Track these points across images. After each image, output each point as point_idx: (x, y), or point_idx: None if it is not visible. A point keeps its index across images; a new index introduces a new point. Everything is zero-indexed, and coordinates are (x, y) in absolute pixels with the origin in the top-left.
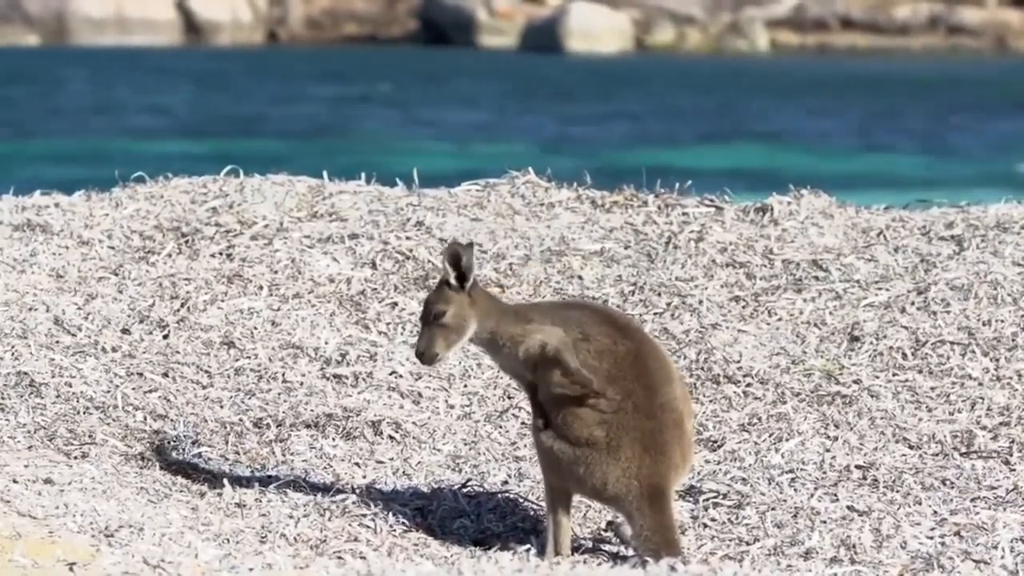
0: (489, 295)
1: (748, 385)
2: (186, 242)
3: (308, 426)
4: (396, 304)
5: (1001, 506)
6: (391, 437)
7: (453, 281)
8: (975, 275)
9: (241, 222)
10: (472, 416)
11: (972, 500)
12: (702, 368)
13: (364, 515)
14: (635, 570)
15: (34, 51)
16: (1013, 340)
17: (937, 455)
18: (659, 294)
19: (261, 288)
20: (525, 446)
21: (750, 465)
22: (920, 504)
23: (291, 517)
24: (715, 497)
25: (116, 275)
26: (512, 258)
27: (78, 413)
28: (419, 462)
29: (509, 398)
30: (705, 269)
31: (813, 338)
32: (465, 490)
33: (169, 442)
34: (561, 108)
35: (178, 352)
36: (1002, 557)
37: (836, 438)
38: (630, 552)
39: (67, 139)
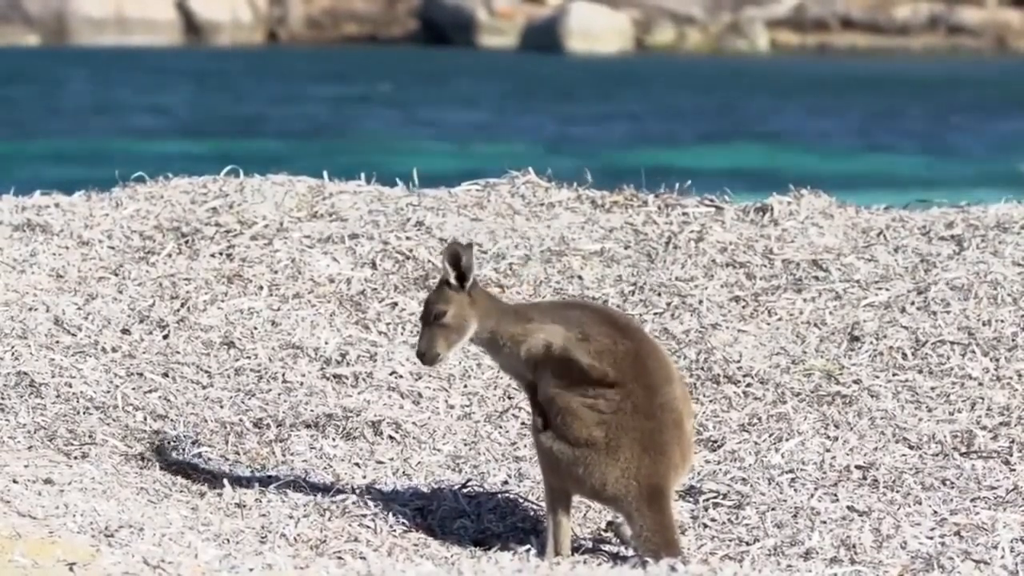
0: (489, 295)
1: (748, 385)
2: (186, 242)
3: (308, 426)
4: (396, 304)
5: (1001, 506)
6: (391, 437)
7: (453, 281)
8: (975, 275)
9: (241, 222)
10: (472, 416)
11: (972, 500)
12: (702, 368)
13: (364, 515)
14: (635, 570)
15: (34, 51)
16: (1013, 340)
17: (937, 455)
18: (659, 294)
19: (261, 288)
20: (525, 446)
21: (750, 465)
22: (920, 504)
23: (291, 517)
24: (715, 497)
25: (116, 275)
26: (512, 258)
27: (78, 413)
28: (419, 462)
29: (509, 398)
30: (705, 269)
31: (813, 338)
32: (465, 490)
33: (169, 442)
34: (561, 108)
35: (178, 352)
36: (1002, 557)
37: (836, 438)
38: (630, 552)
39: (67, 139)
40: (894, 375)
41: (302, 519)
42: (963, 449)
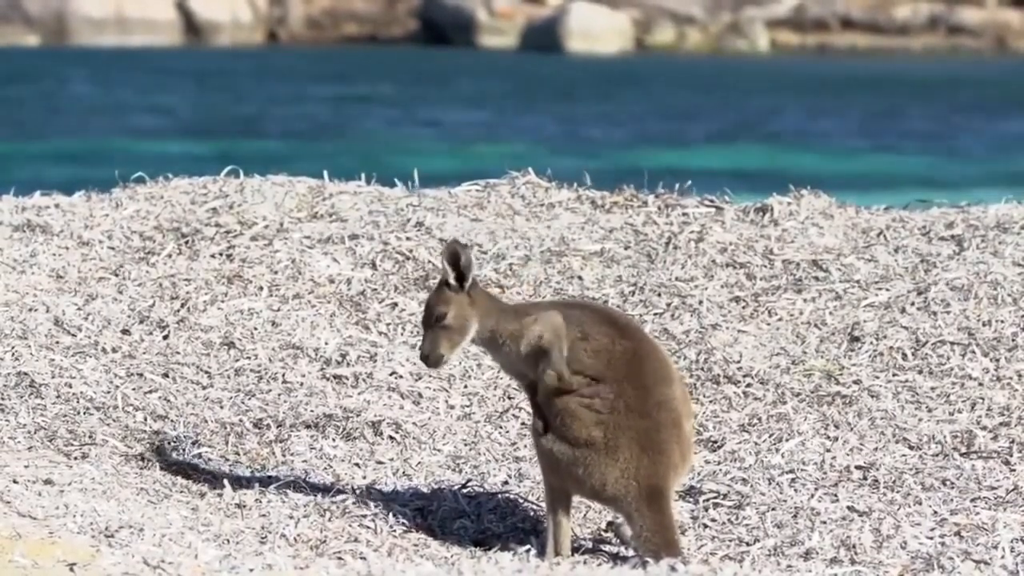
0: (489, 294)
1: (748, 385)
2: (186, 243)
3: (308, 427)
4: (396, 304)
5: (1001, 506)
6: (391, 438)
7: (452, 281)
8: (975, 275)
9: (241, 223)
10: (472, 417)
11: (972, 500)
12: (702, 368)
13: (364, 516)
14: (635, 571)
15: (34, 51)
16: (1013, 340)
17: (937, 455)
18: (659, 294)
19: (261, 289)
20: (525, 446)
21: (750, 465)
22: (920, 504)
23: (291, 518)
24: (715, 497)
25: (116, 276)
26: (512, 258)
27: (78, 414)
28: (419, 462)
29: (509, 399)
30: (705, 269)
31: (813, 338)
32: (465, 490)
33: (169, 443)
34: (561, 108)
35: (178, 353)
36: (1002, 557)
37: (836, 438)
38: (630, 552)
39: (67, 139)
40: (894, 375)
41: (302, 519)
42: (963, 449)
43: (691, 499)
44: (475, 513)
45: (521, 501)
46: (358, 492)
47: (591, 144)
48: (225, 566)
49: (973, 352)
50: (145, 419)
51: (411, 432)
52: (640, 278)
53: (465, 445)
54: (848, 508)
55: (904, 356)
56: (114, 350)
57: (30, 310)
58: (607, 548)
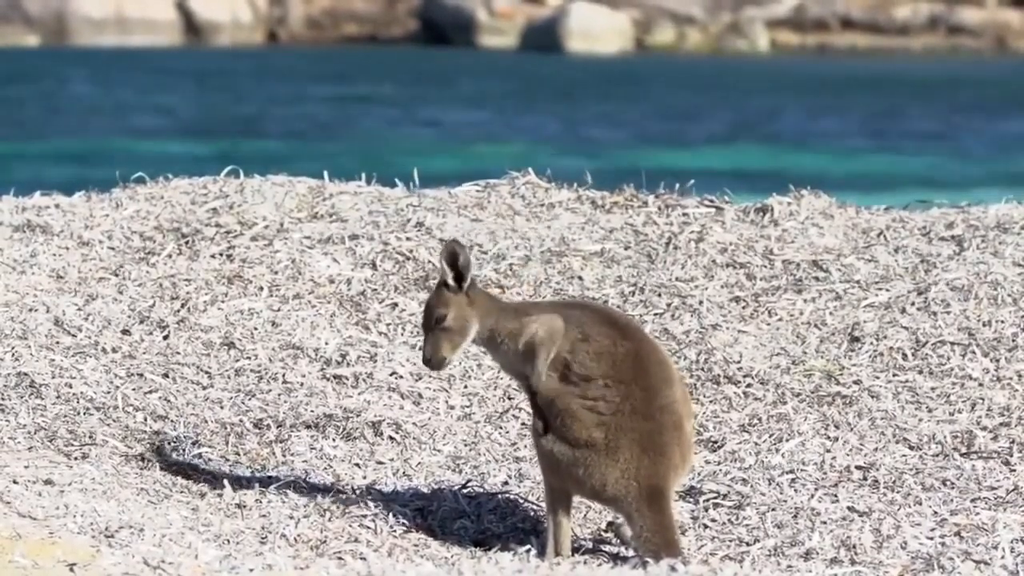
0: (488, 294)
1: (748, 386)
2: (186, 243)
3: (308, 427)
4: (396, 305)
5: (1001, 506)
6: (391, 438)
7: (451, 282)
8: (975, 275)
9: (241, 223)
10: (472, 417)
11: (972, 501)
12: (702, 369)
13: (364, 516)
14: (635, 571)
15: (34, 51)
16: (1013, 341)
17: (937, 456)
18: (659, 295)
19: (261, 289)
20: (525, 447)
21: (750, 466)
22: (920, 504)
23: (291, 518)
24: (715, 498)
25: (116, 276)
26: (512, 259)
27: (78, 414)
28: (419, 463)
29: (509, 399)
30: (705, 270)
31: (813, 338)
32: (465, 491)
33: (169, 443)
34: (561, 108)
35: (178, 353)
36: (1002, 557)
37: (836, 439)
38: (630, 553)
39: (67, 139)
40: (894, 375)
41: (302, 520)
42: (963, 449)
43: (691, 499)
44: (475, 513)
45: (521, 501)
46: (358, 492)
47: (591, 144)
48: (225, 566)
49: (973, 352)
50: (145, 419)
51: (411, 432)
52: (640, 278)
53: (465, 445)
54: (848, 508)
55: (904, 356)
56: (114, 350)
57: (30, 310)
58: (607, 548)
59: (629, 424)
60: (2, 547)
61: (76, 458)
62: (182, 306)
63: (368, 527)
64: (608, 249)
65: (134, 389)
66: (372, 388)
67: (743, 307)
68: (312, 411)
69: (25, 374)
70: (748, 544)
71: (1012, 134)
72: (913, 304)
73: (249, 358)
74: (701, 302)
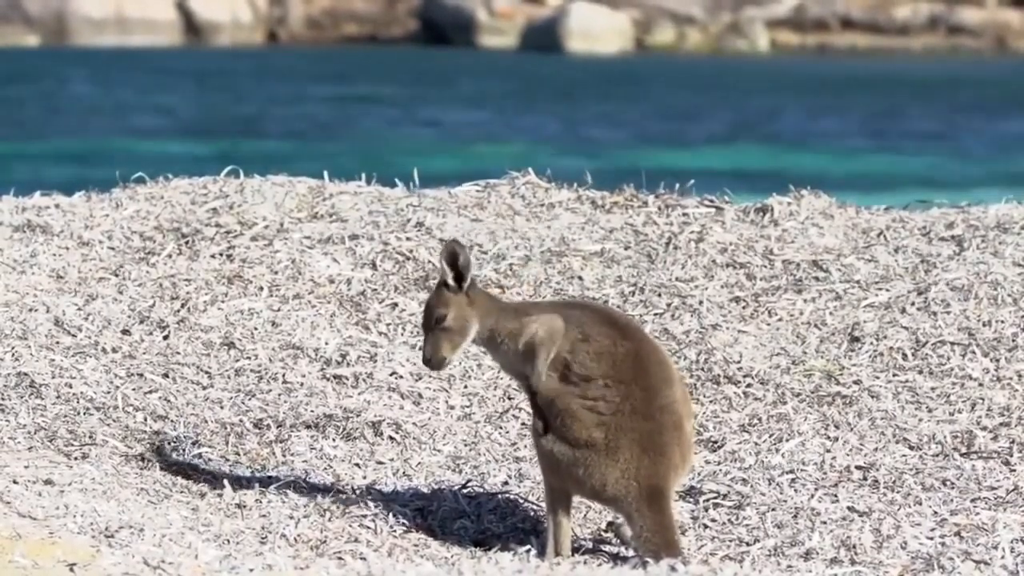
0: (488, 294)
1: (748, 386)
2: (186, 243)
3: (308, 427)
4: (396, 305)
5: (1001, 506)
6: (391, 438)
7: (451, 282)
8: (975, 275)
9: (241, 223)
10: (472, 417)
11: (972, 501)
12: (702, 369)
13: (364, 516)
14: (635, 571)
15: (34, 51)
16: (1013, 340)
17: (937, 456)
18: (659, 295)
19: (261, 289)
20: (525, 447)
21: (750, 466)
22: (920, 504)
23: (291, 518)
24: (715, 498)
25: (116, 276)
26: (512, 259)
27: (78, 414)
28: (419, 463)
29: (509, 399)
30: (705, 270)
31: (813, 338)
32: (465, 491)
33: (169, 443)
34: (561, 108)
35: (178, 353)
36: (1002, 557)
37: (836, 439)
38: (630, 553)
39: (67, 139)
40: (894, 375)
41: (302, 520)
42: (963, 449)
43: (691, 499)
44: (475, 513)
45: (521, 501)
46: (358, 492)
47: (591, 144)
48: (225, 566)
49: (973, 352)
50: (145, 419)
51: (411, 432)
52: (640, 278)
53: (465, 445)
54: (848, 508)
55: (904, 356)
56: (114, 350)
57: (30, 310)
58: (607, 548)
59: (629, 424)
60: (2, 547)
61: (76, 458)
62: (182, 306)
63: (368, 527)
64: (608, 249)
65: (134, 389)
66: (372, 388)
67: (743, 307)
68: (312, 411)
69: (25, 374)
70: (748, 544)
71: (1012, 134)
72: (913, 304)
73: (249, 358)
74: (701, 302)
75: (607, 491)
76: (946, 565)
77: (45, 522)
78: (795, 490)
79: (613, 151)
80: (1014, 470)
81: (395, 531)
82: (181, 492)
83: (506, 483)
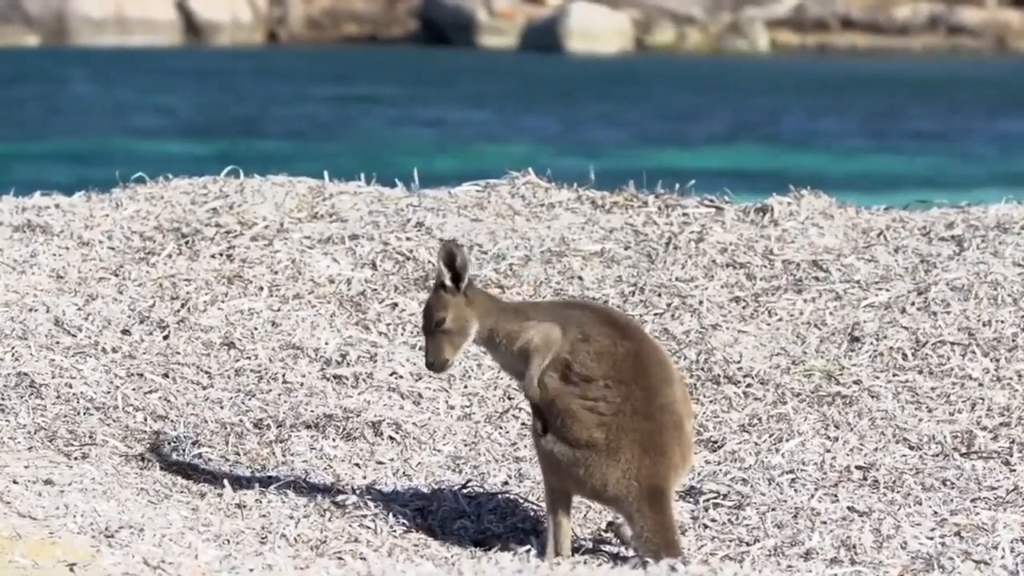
0: (487, 294)
1: (748, 386)
2: (186, 243)
3: (308, 427)
4: (396, 305)
5: (1001, 506)
6: (391, 438)
7: (448, 283)
8: (975, 275)
9: (241, 223)
10: (472, 417)
11: (972, 500)
12: (702, 369)
13: (364, 516)
14: (635, 571)
15: (34, 51)
16: (1013, 340)
17: (937, 456)
18: (659, 295)
19: (261, 289)
20: (525, 447)
21: (750, 466)
22: (920, 504)
23: (291, 518)
24: (715, 498)
25: (116, 276)
26: (512, 259)
27: (78, 414)
28: (419, 463)
29: (509, 399)
30: (705, 270)
31: (813, 338)
32: (465, 491)
33: (169, 443)
34: (561, 108)
35: (178, 353)
36: (1002, 557)
37: (836, 439)
38: (630, 553)
39: (67, 139)
40: (894, 375)
41: (302, 519)
42: (963, 449)
43: (691, 499)
44: (475, 513)
45: (521, 501)
46: (358, 492)
47: (591, 144)
48: (225, 566)
49: (973, 352)
50: (145, 419)
51: (411, 432)
52: (640, 278)
53: (465, 445)
54: (848, 508)
55: (904, 356)
56: (114, 350)
57: (30, 310)
58: (607, 548)
59: (630, 424)
60: (2, 547)
61: (76, 458)
62: (182, 306)
63: (368, 527)
64: (608, 249)
65: (134, 389)
66: (372, 388)
67: (743, 307)
68: (312, 411)
69: (25, 374)
70: (748, 544)
71: (1012, 134)
72: (913, 304)
73: (249, 358)
74: (701, 302)
75: (608, 491)
76: (946, 565)
77: (45, 522)
78: (795, 490)
79: (613, 151)
80: (1014, 470)
81: (395, 531)
82: (181, 492)
83: (506, 483)
